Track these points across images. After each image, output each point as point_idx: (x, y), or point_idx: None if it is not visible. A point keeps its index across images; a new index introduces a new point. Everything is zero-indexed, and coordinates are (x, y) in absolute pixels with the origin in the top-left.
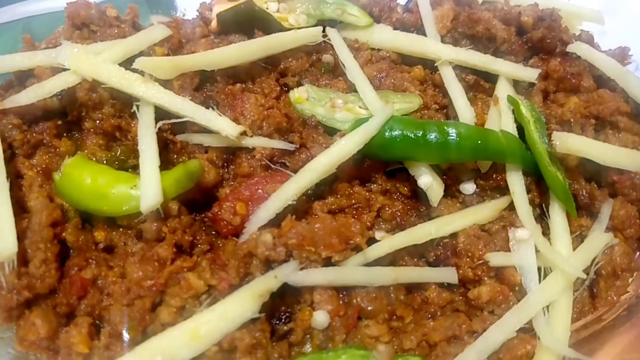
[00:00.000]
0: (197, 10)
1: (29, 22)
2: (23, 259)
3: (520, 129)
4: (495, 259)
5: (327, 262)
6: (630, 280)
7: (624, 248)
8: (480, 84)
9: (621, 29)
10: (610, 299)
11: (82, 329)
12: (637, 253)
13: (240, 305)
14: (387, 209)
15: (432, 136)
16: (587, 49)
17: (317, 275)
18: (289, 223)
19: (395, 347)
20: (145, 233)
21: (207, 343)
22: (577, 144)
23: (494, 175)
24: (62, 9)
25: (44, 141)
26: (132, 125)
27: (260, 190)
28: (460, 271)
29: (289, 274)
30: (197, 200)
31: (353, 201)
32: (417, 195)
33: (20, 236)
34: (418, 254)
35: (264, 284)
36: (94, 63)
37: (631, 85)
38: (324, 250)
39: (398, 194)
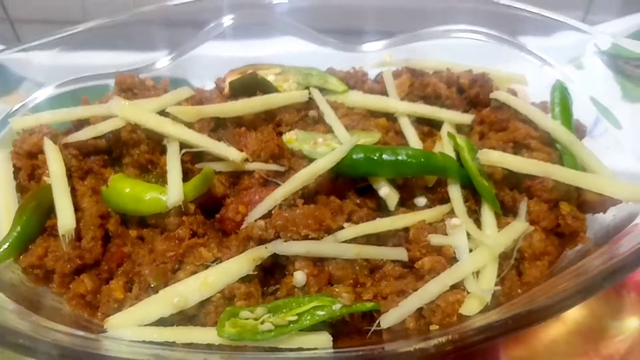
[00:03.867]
0: (214, 82)
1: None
2: (77, 236)
3: (457, 155)
4: (435, 239)
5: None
6: (548, 261)
7: (540, 235)
8: (433, 133)
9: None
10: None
11: (119, 282)
12: (559, 245)
13: (238, 265)
14: (356, 213)
15: (387, 156)
16: (505, 95)
17: (298, 247)
18: (277, 212)
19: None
20: (168, 224)
21: (213, 290)
22: (496, 157)
23: (439, 189)
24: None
25: (93, 169)
26: (161, 159)
27: (257, 197)
28: (410, 252)
29: (276, 245)
30: (209, 207)
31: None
32: (381, 208)
33: (76, 222)
34: (379, 243)
35: (257, 252)
36: (137, 111)
37: (542, 121)
38: (303, 230)
39: (365, 207)
